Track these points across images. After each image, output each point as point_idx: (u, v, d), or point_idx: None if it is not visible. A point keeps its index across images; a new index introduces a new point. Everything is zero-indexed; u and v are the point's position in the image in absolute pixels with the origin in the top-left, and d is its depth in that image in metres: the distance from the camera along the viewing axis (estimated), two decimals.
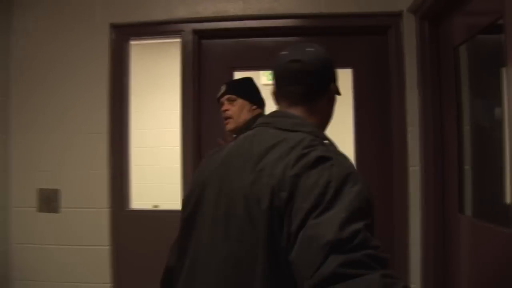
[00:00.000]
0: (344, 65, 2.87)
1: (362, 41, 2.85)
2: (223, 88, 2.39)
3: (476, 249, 2.11)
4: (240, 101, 2.33)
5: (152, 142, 4.69)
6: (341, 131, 4.82)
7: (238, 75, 2.76)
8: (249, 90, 2.39)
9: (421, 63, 2.61)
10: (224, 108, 2.36)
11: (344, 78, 3.34)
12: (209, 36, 2.85)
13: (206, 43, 2.86)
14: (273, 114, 1.36)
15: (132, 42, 2.88)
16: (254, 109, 2.33)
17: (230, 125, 2.35)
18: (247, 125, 2.26)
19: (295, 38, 2.85)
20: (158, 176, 4.58)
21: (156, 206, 3.39)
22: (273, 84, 1.41)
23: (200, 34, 2.82)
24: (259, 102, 2.38)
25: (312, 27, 2.82)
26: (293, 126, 1.25)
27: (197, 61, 2.80)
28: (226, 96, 2.36)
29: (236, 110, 2.33)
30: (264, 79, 3.99)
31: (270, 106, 2.31)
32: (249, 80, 2.44)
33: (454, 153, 2.39)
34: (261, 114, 2.36)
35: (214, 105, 2.71)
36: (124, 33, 2.82)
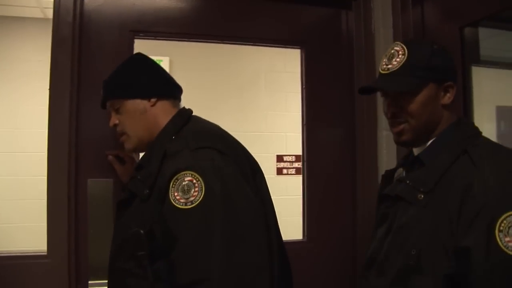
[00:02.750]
0: (291, 43, 2.14)
1: (317, 13, 2.10)
2: (101, 92, 1.50)
3: None
4: (127, 104, 1.43)
5: None
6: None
7: (141, 46, 1.82)
8: (134, 78, 1.47)
9: None
10: (111, 122, 1.47)
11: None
12: None
13: None
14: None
15: None
16: (153, 105, 1.43)
17: (128, 145, 1.47)
18: (168, 132, 1.40)
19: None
20: None
21: None
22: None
23: None
24: (158, 89, 1.46)
25: None
26: None
27: (79, 20, 1.76)
28: (108, 103, 1.48)
29: (126, 121, 1.44)
30: None
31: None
32: (131, 63, 1.52)
33: None
34: (184, 111, 1.48)
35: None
36: None
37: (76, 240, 1.71)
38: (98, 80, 1.75)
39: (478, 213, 1.01)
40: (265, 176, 3.36)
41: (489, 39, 1.94)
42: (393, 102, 1.24)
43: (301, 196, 2.10)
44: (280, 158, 4.24)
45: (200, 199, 1.19)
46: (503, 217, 0.98)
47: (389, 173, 1.39)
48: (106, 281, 1.60)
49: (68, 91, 1.71)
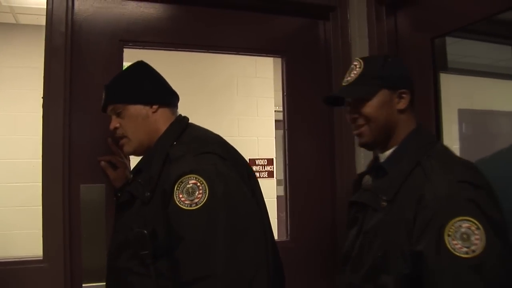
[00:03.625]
0: (271, 52, 2.25)
1: (296, 23, 2.21)
2: (103, 96, 1.55)
3: None
4: (130, 109, 1.50)
5: None
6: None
7: (131, 55, 1.87)
8: (138, 84, 1.54)
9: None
10: (111, 125, 1.53)
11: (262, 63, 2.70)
12: None
13: (83, 3, 1.86)
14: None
15: None
16: (155, 112, 1.51)
17: (128, 147, 1.54)
18: (168, 137, 1.48)
19: (210, 10, 2.06)
20: None
21: None
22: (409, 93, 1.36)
23: None
24: (160, 97, 1.55)
25: None
26: None
27: (71, 29, 1.80)
28: (110, 107, 1.53)
29: (128, 125, 1.51)
30: None
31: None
32: (134, 69, 1.60)
33: None
34: (182, 118, 1.57)
35: (97, 98, 1.80)
36: None
37: (71, 244, 1.74)
38: (89, 88, 1.82)
39: (430, 221, 1.13)
40: None
41: (448, 46, 2.08)
42: (352, 110, 1.38)
43: (275, 199, 2.20)
44: (252, 162, 4.32)
45: (204, 201, 1.27)
46: (451, 223, 1.10)
47: (358, 179, 1.52)
48: (100, 283, 1.66)
49: (61, 99, 1.74)
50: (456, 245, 1.08)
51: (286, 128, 2.17)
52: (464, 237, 1.08)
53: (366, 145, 1.40)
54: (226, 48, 2.14)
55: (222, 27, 2.08)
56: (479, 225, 1.08)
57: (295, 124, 2.16)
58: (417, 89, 1.93)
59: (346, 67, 2.06)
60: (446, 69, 2.12)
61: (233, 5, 2.07)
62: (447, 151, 1.33)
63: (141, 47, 1.96)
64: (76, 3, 1.85)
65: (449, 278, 1.08)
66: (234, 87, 4.23)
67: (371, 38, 2.07)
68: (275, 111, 4.35)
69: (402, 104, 1.34)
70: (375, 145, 1.40)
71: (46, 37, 1.74)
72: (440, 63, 2.02)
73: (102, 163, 1.77)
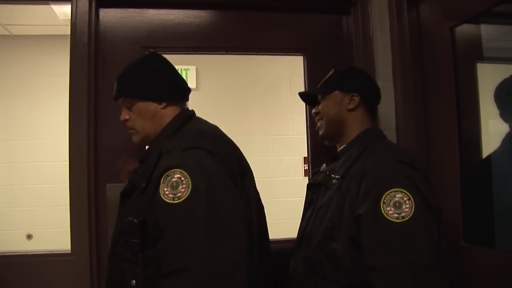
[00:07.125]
0: (293, 51, 2.25)
1: (318, 21, 2.21)
2: (115, 87, 1.59)
3: None
4: (139, 105, 1.53)
5: (23, 157, 3.86)
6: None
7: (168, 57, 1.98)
8: (147, 81, 1.55)
9: (400, 50, 2.01)
10: (122, 116, 1.58)
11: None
12: (112, 2, 2.01)
13: (107, 13, 2.01)
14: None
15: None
16: (164, 108, 1.53)
17: (135, 139, 1.59)
18: (167, 131, 1.52)
19: (227, 12, 2.13)
20: (31, 198, 3.73)
21: (29, 236, 2.66)
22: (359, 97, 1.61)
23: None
24: (169, 93, 1.56)
25: None
26: None
27: (95, 38, 1.94)
28: (121, 99, 1.57)
29: (136, 119, 1.55)
30: None
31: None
32: (147, 63, 1.61)
33: (452, 164, 1.83)
34: (185, 112, 1.58)
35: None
36: None
37: (97, 239, 1.88)
38: (112, 93, 1.93)
39: (370, 190, 1.35)
40: (294, 178, 3.49)
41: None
42: (316, 107, 1.68)
43: None
44: (307, 160, 4.28)
45: (187, 195, 1.29)
46: (387, 192, 1.32)
47: (317, 171, 1.72)
48: None
49: (85, 105, 1.88)
50: (389, 211, 1.31)
51: (308, 126, 2.18)
52: (397, 205, 1.31)
53: (322, 138, 1.68)
54: (244, 49, 2.19)
55: (239, 29, 2.13)
56: (411, 196, 1.31)
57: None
58: (440, 83, 1.89)
59: (368, 62, 2.08)
60: (482, 58, 2.01)
61: (250, 6, 2.12)
62: (392, 143, 1.67)
63: (161, 52, 2.04)
64: (101, 14, 1.99)
65: (378, 237, 1.30)
66: (288, 86, 4.22)
67: (393, 31, 2.02)
68: None
69: (351, 105, 1.60)
70: (329, 138, 1.66)
71: (70, 48, 1.89)
72: (474, 53, 1.93)
73: (124, 163, 1.89)
